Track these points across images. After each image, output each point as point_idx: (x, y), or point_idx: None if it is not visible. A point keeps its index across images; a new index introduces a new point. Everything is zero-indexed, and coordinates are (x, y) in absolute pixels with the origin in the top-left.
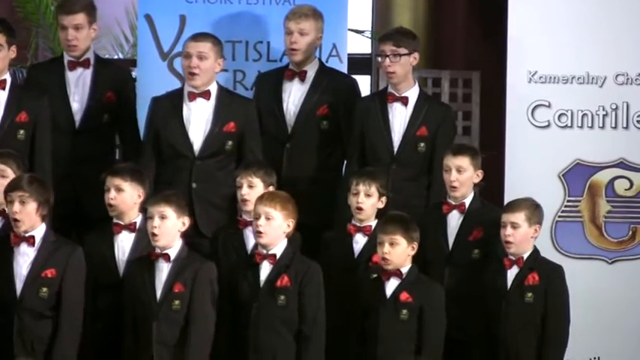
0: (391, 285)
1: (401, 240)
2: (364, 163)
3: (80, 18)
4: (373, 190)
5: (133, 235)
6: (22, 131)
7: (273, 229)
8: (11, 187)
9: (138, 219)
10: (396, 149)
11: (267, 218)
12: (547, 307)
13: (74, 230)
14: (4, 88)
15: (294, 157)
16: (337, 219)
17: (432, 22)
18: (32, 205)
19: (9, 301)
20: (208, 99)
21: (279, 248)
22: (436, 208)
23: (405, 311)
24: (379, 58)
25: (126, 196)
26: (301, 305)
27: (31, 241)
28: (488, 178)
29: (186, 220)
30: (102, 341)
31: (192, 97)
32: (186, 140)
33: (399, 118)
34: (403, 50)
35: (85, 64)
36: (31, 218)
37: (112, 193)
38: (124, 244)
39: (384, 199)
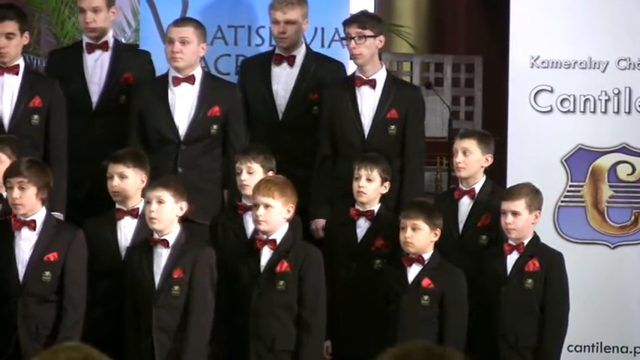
0: (413, 271)
1: (423, 225)
2: (335, 148)
3: (98, 0)
4: (375, 174)
5: (135, 221)
6: (35, 116)
7: (273, 216)
8: (10, 173)
9: (141, 204)
10: (367, 133)
11: (266, 207)
12: (546, 294)
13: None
14: (17, 74)
15: (285, 141)
16: (313, 206)
17: (434, 6)
18: (32, 190)
19: (12, 285)
20: (193, 84)
21: (279, 233)
22: (448, 193)
23: (426, 297)
24: (344, 42)
25: (129, 182)
26: (301, 291)
27: (32, 225)
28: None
29: (184, 205)
30: (103, 327)
31: (177, 81)
32: (172, 125)
33: (368, 101)
34: (368, 32)
35: (104, 46)
36: (31, 203)
37: (116, 180)
38: (126, 230)
39: (387, 184)
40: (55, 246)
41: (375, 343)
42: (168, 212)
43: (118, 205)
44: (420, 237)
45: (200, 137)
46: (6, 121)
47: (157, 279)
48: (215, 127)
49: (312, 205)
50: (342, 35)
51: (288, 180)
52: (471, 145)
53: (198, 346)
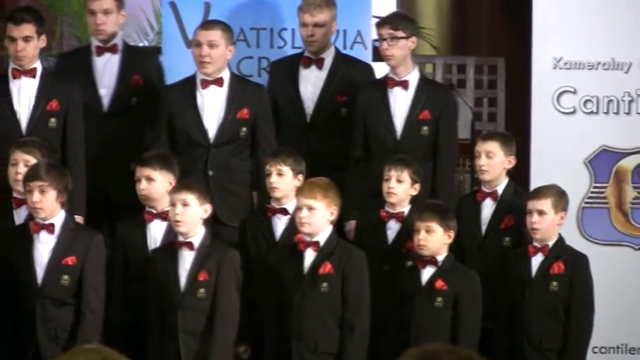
0: (427, 273)
1: (437, 227)
2: (368, 149)
3: (108, 3)
4: (405, 176)
5: (165, 224)
6: (53, 119)
7: (317, 218)
8: (29, 177)
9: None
10: (399, 134)
11: (309, 209)
12: (572, 296)
13: (106, 216)
14: (34, 77)
15: (313, 144)
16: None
17: (457, 8)
18: (52, 194)
19: (31, 289)
20: (221, 86)
21: (322, 235)
22: (471, 195)
23: (440, 299)
24: (377, 43)
25: (157, 185)
26: (344, 292)
27: (50, 228)
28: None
29: (209, 207)
30: (135, 330)
31: (205, 84)
32: (201, 128)
33: (401, 102)
34: (400, 34)
35: (113, 49)
36: (51, 206)
37: (144, 184)
38: (155, 232)
39: (417, 185)
40: (73, 250)
41: (388, 344)
42: (193, 215)
43: (147, 208)
44: (434, 239)
45: (230, 140)
46: (24, 125)
47: (183, 282)
48: (244, 129)
49: (345, 206)
50: (365, 37)
51: (331, 182)
52: (493, 147)
53: (224, 349)
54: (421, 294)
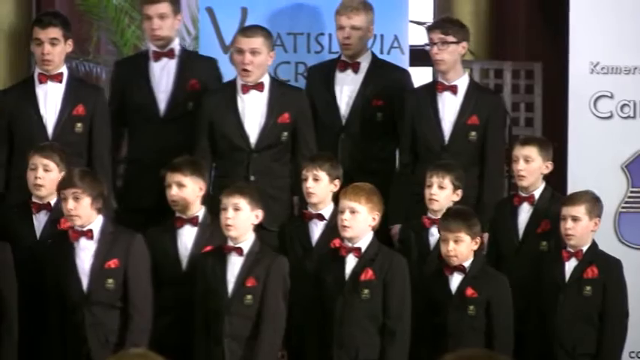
0: (455, 280)
1: (465, 237)
2: (416, 153)
3: (164, 7)
4: (447, 182)
5: (195, 229)
6: (79, 124)
7: (358, 222)
8: (64, 185)
9: (200, 212)
10: (447, 139)
11: (352, 212)
12: (605, 301)
13: (162, 219)
14: (60, 82)
15: (348, 148)
16: (392, 211)
17: (494, 13)
18: (86, 200)
19: (77, 296)
20: (262, 91)
21: (364, 241)
22: (508, 200)
23: (472, 307)
24: (427, 47)
25: (188, 191)
26: (386, 299)
27: (89, 234)
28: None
29: (260, 213)
30: (168, 336)
31: (246, 89)
32: (243, 133)
33: (449, 107)
34: (451, 38)
35: (170, 54)
36: (87, 213)
37: (174, 190)
38: (186, 238)
39: (459, 191)
40: (114, 253)
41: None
42: (244, 220)
43: (177, 214)
44: (462, 248)
45: (271, 144)
46: (50, 129)
47: (230, 287)
48: (285, 133)
49: (391, 211)
50: (402, 42)
51: (375, 188)
52: (531, 152)
53: (270, 356)
54: (452, 302)
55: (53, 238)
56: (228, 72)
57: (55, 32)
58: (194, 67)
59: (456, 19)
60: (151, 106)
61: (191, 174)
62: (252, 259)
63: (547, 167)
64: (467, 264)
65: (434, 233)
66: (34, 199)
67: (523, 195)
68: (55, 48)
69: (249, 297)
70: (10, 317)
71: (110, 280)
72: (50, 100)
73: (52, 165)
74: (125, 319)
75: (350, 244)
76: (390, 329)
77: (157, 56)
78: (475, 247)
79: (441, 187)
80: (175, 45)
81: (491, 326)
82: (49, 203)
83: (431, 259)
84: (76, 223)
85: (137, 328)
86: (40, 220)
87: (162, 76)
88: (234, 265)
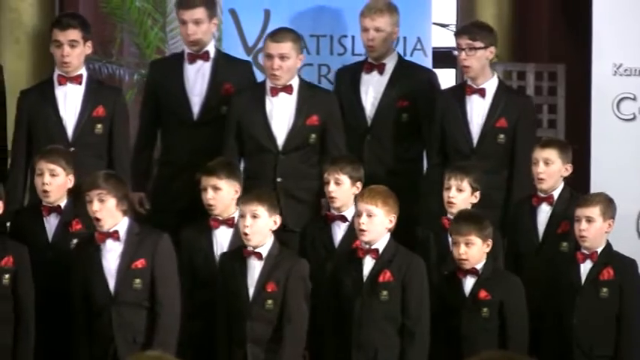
0: (468, 283)
1: (476, 240)
2: (445, 155)
3: (200, 13)
4: (465, 184)
5: (230, 231)
6: (99, 125)
7: (375, 225)
8: (88, 186)
9: (236, 214)
10: (475, 141)
11: (369, 215)
12: (622, 303)
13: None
14: (80, 83)
15: (374, 149)
16: (422, 212)
17: (517, 14)
18: (111, 202)
19: (104, 297)
20: (291, 93)
21: (381, 243)
22: (526, 200)
23: (485, 309)
24: (455, 52)
25: (223, 194)
26: (404, 300)
27: (115, 236)
28: (573, 171)
29: (278, 219)
30: (203, 338)
31: (275, 91)
32: (270, 134)
33: (478, 110)
34: (479, 44)
35: (205, 56)
36: (112, 215)
37: (210, 193)
38: (222, 239)
39: (477, 193)
40: (141, 253)
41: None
42: (262, 227)
43: (214, 215)
44: (474, 252)
45: (298, 146)
46: (70, 131)
47: (251, 291)
48: (313, 135)
49: (421, 212)
50: (424, 44)
51: (390, 190)
52: (551, 154)
53: (293, 358)
54: (466, 305)
55: (79, 241)
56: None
57: (74, 34)
58: (229, 70)
59: (483, 24)
60: (185, 109)
61: (226, 177)
62: (272, 262)
63: (567, 170)
64: (479, 266)
65: None
66: (44, 203)
67: (542, 195)
68: (74, 50)
69: (269, 302)
70: (27, 320)
71: (137, 280)
72: (70, 101)
73: (58, 169)
74: (152, 318)
75: (367, 246)
76: (410, 330)
77: (192, 58)
78: (487, 250)
79: (459, 190)
80: (211, 47)
81: (505, 328)
82: (59, 206)
83: (450, 261)
84: (103, 228)
85: (165, 327)
86: (51, 223)
87: (197, 79)
88: (254, 269)
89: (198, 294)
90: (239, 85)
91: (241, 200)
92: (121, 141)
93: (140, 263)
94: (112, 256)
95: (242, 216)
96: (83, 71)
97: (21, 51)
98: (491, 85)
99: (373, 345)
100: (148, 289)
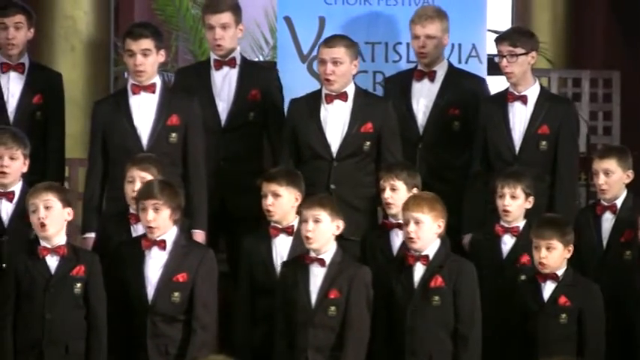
0: (548, 288)
1: (557, 244)
2: (488, 162)
3: (227, 17)
4: (519, 191)
5: (290, 239)
6: (173, 134)
7: (424, 232)
8: (143, 195)
9: (295, 222)
10: (517, 148)
11: (417, 222)
12: None
13: (219, 230)
14: (154, 92)
15: (425, 157)
16: (464, 220)
17: (572, 21)
18: (166, 212)
19: (141, 305)
20: (345, 100)
21: (431, 249)
22: (590, 209)
23: (564, 315)
24: (497, 59)
25: (283, 201)
26: (456, 304)
27: (162, 245)
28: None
29: (341, 224)
30: (265, 345)
31: (330, 99)
32: (324, 141)
33: (520, 117)
34: (520, 50)
35: (231, 63)
36: (165, 224)
37: (270, 200)
38: (281, 247)
39: (531, 199)
40: (184, 266)
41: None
42: (325, 231)
43: (273, 223)
44: (555, 256)
45: (352, 153)
46: (144, 140)
47: (313, 298)
48: (368, 143)
49: (464, 219)
50: (479, 51)
51: (437, 196)
52: (610, 165)
53: None
54: (544, 310)
55: (123, 242)
56: (305, 81)
57: (146, 43)
58: (255, 76)
59: (524, 29)
60: (212, 116)
61: (287, 184)
62: (335, 269)
63: (628, 176)
64: (560, 272)
65: (506, 242)
66: (131, 210)
67: (605, 204)
68: (146, 58)
69: (332, 308)
70: (99, 328)
71: (176, 294)
72: (144, 110)
73: (149, 177)
74: (187, 332)
75: (417, 253)
76: (463, 335)
77: (219, 65)
78: (568, 256)
79: (513, 197)
80: (237, 54)
81: (583, 335)
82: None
83: (509, 268)
84: (154, 235)
85: (199, 342)
86: (138, 232)
87: (224, 85)
88: (317, 276)
89: (258, 302)
90: (266, 91)
91: (303, 205)
92: (196, 148)
93: (182, 277)
94: (155, 264)
95: (304, 220)
96: (157, 80)
97: (76, 59)
98: (532, 91)
99: (427, 351)
100: (186, 303)
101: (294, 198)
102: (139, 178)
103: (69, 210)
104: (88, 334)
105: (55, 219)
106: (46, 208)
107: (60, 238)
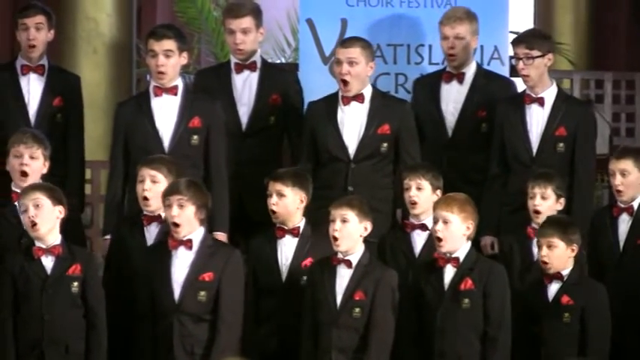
0: (553, 288)
1: (558, 242)
2: (506, 164)
3: (247, 21)
4: (549, 192)
5: (295, 240)
6: (195, 136)
7: (452, 232)
8: (169, 192)
9: (301, 224)
10: (535, 150)
11: (445, 222)
12: None
13: (238, 233)
14: (176, 94)
15: (454, 159)
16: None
17: (594, 23)
18: (190, 209)
19: (168, 304)
20: (362, 102)
21: (461, 251)
22: (607, 210)
23: (567, 314)
24: (513, 61)
25: (288, 201)
26: (486, 307)
27: (188, 244)
28: None
29: (369, 225)
30: (268, 346)
31: (347, 101)
32: (341, 143)
33: (537, 119)
34: (536, 52)
35: (252, 66)
36: (189, 222)
37: (274, 199)
38: (287, 248)
39: (562, 200)
40: (210, 266)
41: None
42: (352, 232)
43: (278, 224)
44: (557, 254)
45: (370, 155)
46: (166, 142)
47: (339, 299)
48: (385, 144)
49: (482, 222)
50: (502, 53)
51: (469, 198)
52: (627, 165)
53: None
54: (548, 310)
55: (151, 245)
56: (327, 83)
57: (169, 44)
58: (276, 80)
59: (540, 31)
60: (233, 119)
61: (293, 185)
62: (362, 271)
63: None
64: (565, 272)
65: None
66: (145, 212)
67: (622, 205)
68: (169, 60)
69: (357, 310)
70: (99, 327)
71: (202, 293)
72: (166, 112)
73: (159, 176)
74: (213, 331)
75: (447, 255)
76: (492, 337)
77: (239, 68)
78: (572, 255)
79: (543, 198)
80: (257, 57)
81: (586, 333)
82: (159, 215)
83: (535, 269)
84: (179, 234)
85: (224, 342)
86: (151, 233)
87: (245, 89)
88: (343, 277)
89: (264, 302)
90: (286, 95)
91: (332, 205)
92: (218, 151)
93: (208, 276)
94: (181, 264)
95: (332, 220)
96: (179, 82)
97: (98, 61)
98: (550, 93)
99: (456, 353)
100: (212, 303)
101: (299, 199)
102: (148, 177)
103: (60, 208)
104: (87, 333)
105: (45, 217)
106: (36, 206)
107: (54, 238)
